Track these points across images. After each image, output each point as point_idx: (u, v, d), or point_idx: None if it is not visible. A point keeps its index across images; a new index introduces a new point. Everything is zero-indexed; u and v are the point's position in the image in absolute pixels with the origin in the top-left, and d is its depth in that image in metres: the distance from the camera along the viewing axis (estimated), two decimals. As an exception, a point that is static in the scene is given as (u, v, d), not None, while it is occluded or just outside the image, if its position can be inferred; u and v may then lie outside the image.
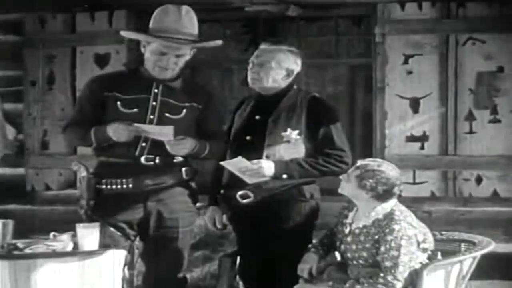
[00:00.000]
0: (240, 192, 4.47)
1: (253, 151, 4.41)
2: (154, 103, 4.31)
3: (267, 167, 4.36)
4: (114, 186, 4.28)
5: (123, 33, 4.72)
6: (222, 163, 4.42)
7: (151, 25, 4.32)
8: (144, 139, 4.26)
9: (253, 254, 4.50)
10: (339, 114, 4.71)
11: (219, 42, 4.47)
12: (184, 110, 4.35)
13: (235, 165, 4.34)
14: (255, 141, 4.46)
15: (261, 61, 4.50)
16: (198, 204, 4.50)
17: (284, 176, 4.39)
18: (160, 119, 4.31)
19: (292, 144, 4.45)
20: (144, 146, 4.28)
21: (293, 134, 4.45)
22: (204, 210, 4.67)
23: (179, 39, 4.24)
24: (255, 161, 4.34)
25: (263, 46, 4.61)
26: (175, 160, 4.33)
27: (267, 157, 4.41)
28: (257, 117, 4.55)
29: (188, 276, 4.64)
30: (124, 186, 4.28)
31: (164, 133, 4.23)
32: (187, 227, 4.42)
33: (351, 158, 4.46)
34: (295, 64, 4.54)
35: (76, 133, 4.40)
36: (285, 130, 4.45)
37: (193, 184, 4.45)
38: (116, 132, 4.21)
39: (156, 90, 4.32)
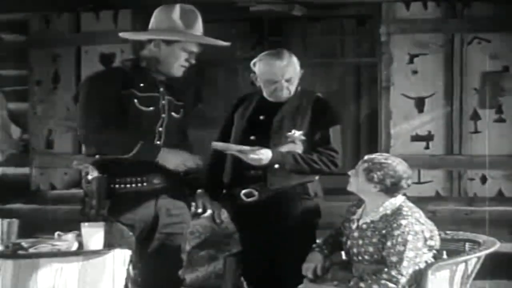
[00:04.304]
0: (244, 191, 4.47)
1: (258, 151, 4.41)
2: (163, 102, 4.30)
3: (265, 157, 4.35)
4: (128, 185, 4.25)
5: (169, 37, 4.23)
6: (214, 143, 4.43)
7: (172, 23, 4.23)
8: (158, 136, 4.26)
9: (257, 253, 4.50)
10: (341, 116, 4.72)
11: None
12: (182, 110, 4.37)
13: (234, 148, 4.37)
14: (259, 141, 4.45)
15: (289, 77, 4.50)
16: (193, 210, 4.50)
17: (276, 166, 4.38)
18: (169, 118, 4.31)
19: (297, 145, 4.46)
20: (159, 144, 4.25)
21: (297, 134, 4.46)
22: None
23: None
24: (256, 147, 4.34)
25: (273, 61, 4.51)
26: None
27: (272, 157, 4.42)
28: (261, 117, 4.55)
29: (192, 276, 4.63)
30: (139, 184, 4.26)
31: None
32: (188, 223, 4.44)
33: (341, 162, 4.48)
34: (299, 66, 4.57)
35: (114, 141, 4.19)
36: (290, 131, 4.46)
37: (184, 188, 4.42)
38: (188, 163, 4.20)
39: (161, 89, 4.31)
